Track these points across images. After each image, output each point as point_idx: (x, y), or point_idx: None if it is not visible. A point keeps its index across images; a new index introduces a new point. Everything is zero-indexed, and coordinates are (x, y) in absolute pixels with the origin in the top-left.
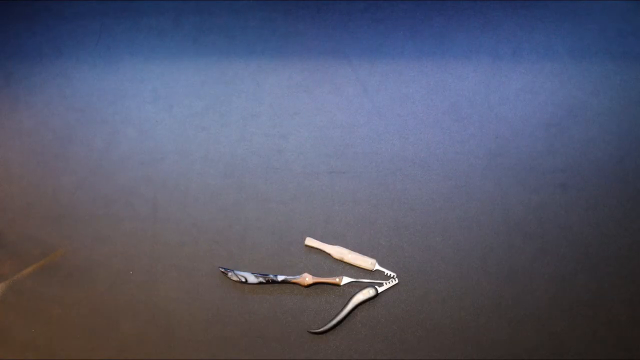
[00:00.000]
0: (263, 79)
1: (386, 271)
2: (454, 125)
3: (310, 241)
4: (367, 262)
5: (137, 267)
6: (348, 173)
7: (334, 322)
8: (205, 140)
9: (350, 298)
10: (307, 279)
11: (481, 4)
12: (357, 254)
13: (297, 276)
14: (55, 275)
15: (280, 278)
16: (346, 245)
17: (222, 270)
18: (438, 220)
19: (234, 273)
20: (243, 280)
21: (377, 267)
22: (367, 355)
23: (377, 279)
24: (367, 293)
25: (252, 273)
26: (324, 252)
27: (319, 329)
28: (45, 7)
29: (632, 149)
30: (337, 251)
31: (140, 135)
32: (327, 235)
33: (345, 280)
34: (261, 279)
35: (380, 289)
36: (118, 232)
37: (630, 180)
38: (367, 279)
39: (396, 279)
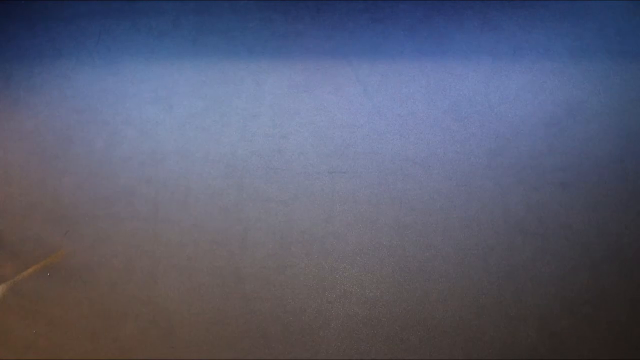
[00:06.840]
0: (263, 79)
1: None
2: (454, 124)
3: None
4: None
5: (137, 267)
6: (348, 173)
7: None
8: (206, 140)
9: None
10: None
11: (481, 4)
12: None
13: None
14: (56, 276)
15: None
16: (347, 245)
17: None
18: (439, 219)
19: None
20: None
21: None
22: (367, 355)
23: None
24: None
25: None
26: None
27: None
28: (45, 8)
29: (632, 148)
30: None
31: (141, 136)
32: (327, 235)
33: None
34: None
35: None
36: (119, 233)
37: (630, 178)
38: None
39: None
